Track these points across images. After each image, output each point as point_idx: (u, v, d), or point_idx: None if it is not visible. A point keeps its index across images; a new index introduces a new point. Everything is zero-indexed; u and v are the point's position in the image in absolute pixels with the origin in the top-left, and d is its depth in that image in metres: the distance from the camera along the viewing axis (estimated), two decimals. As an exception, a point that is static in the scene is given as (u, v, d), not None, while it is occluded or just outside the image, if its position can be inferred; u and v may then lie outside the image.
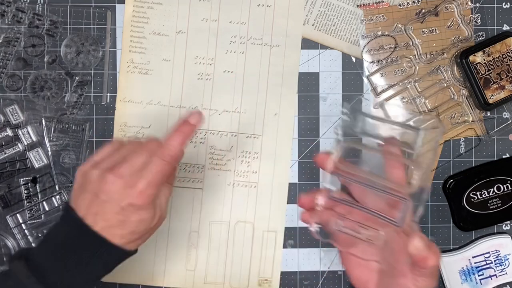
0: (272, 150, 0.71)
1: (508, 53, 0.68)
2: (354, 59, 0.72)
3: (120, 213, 0.51)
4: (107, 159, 0.54)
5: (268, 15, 0.71)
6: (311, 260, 0.72)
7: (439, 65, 0.71)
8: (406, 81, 0.71)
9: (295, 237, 0.72)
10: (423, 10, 0.71)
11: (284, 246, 0.72)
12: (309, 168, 0.72)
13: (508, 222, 0.72)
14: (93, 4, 0.71)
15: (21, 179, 0.69)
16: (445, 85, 0.71)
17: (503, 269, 0.71)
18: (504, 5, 0.72)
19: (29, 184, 0.69)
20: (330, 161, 0.56)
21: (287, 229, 0.72)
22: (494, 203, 0.71)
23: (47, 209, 0.69)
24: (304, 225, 0.72)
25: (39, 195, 0.70)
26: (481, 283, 0.71)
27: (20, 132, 0.69)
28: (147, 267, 0.71)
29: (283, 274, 0.72)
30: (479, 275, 0.71)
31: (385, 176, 0.55)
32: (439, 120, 0.53)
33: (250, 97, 0.71)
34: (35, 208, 0.69)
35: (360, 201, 0.56)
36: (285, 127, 0.71)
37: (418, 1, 0.71)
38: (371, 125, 0.58)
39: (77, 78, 0.71)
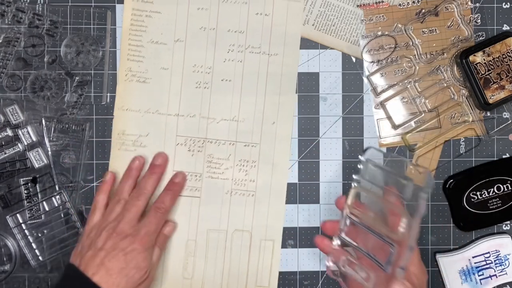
0: (270, 158, 0.71)
1: (508, 53, 0.68)
2: (354, 59, 0.72)
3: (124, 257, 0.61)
4: (108, 216, 0.64)
5: (266, 24, 0.71)
6: (311, 260, 0.72)
7: (439, 65, 0.71)
8: (406, 81, 0.71)
9: (295, 237, 0.72)
10: (423, 10, 0.71)
11: (284, 246, 0.72)
12: (309, 168, 0.72)
13: (508, 222, 0.72)
14: (93, 4, 0.71)
15: (21, 179, 0.69)
16: (445, 85, 0.71)
17: (503, 269, 0.71)
18: (504, 5, 0.72)
19: (29, 184, 0.69)
20: (346, 204, 0.61)
21: (287, 229, 0.72)
22: (494, 203, 0.71)
23: (47, 209, 0.69)
24: (304, 225, 0.72)
25: (39, 195, 0.70)
26: (481, 283, 0.71)
27: (20, 132, 0.69)
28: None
29: (283, 274, 0.72)
30: (479, 275, 0.71)
31: (386, 222, 0.58)
32: (430, 175, 0.57)
33: (248, 106, 0.71)
34: (35, 208, 0.69)
35: (363, 244, 0.60)
36: (283, 136, 0.71)
37: (418, 1, 0.71)
38: (376, 173, 0.61)
39: (77, 78, 0.71)
